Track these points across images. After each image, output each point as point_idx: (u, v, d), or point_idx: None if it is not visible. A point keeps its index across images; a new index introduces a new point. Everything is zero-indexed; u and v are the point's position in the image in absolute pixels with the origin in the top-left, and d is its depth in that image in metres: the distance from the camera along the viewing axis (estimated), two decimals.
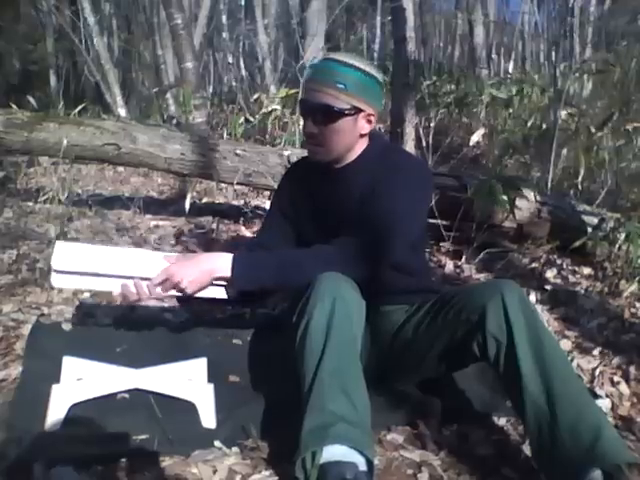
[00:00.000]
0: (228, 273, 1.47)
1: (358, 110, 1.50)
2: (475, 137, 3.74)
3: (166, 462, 1.35)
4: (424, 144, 4.07)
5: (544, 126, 4.73)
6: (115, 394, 1.57)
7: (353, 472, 1.15)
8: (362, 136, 1.56)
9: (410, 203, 1.52)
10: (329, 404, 1.23)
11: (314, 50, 6.20)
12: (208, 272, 1.47)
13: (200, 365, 1.67)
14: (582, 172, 3.75)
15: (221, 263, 1.47)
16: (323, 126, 1.50)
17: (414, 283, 1.65)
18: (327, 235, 1.52)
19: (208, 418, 1.52)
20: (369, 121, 1.54)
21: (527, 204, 2.94)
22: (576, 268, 2.76)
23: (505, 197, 2.79)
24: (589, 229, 2.85)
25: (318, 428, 1.21)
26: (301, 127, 4.52)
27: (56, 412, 1.47)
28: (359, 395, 1.28)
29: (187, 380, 1.62)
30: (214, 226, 3.27)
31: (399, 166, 1.55)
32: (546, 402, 1.26)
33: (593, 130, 4.10)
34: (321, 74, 1.49)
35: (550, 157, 3.84)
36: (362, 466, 1.17)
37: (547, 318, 2.22)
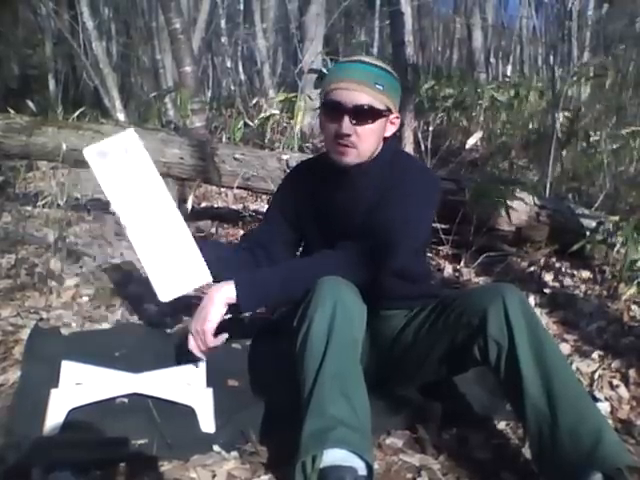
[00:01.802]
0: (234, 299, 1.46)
1: (389, 112, 1.51)
2: (472, 140, 3.75)
3: (165, 467, 1.34)
4: (423, 148, 4.08)
5: (542, 129, 4.74)
6: (114, 398, 1.57)
7: (353, 476, 1.15)
8: (385, 139, 1.57)
9: (416, 211, 1.53)
10: (329, 408, 1.23)
11: (312, 54, 6.21)
12: (218, 305, 1.45)
13: (199, 369, 1.67)
14: (575, 175, 3.75)
15: (225, 292, 1.46)
16: (361, 126, 1.47)
17: (416, 289, 1.65)
18: (332, 238, 1.53)
19: (207, 422, 1.51)
20: (392, 123, 1.55)
21: (526, 207, 2.94)
22: (575, 271, 2.76)
23: (503, 200, 2.79)
24: (588, 232, 2.85)
25: (318, 432, 1.20)
26: (297, 130, 4.55)
27: (55, 417, 1.46)
28: (359, 399, 1.28)
29: (186, 384, 1.62)
30: (213, 230, 3.27)
31: (407, 173, 1.56)
32: (547, 405, 1.26)
33: (591, 133, 4.11)
34: (359, 74, 1.46)
35: (548, 160, 3.84)
36: (362, 470, 1.17)
37: (546, 321, 2.22)
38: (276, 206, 1.76)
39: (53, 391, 1.52)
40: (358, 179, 1.57)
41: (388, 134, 1.56)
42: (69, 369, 1.61)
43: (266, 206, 3.63)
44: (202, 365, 1.67)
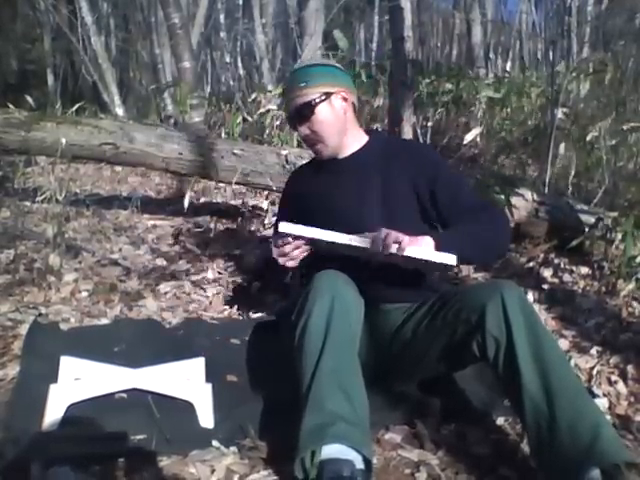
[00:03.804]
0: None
1: (327, 94, 1.62)
2: (469, 136, 3.73)
3: (164, 462, 1.35)
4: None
5: (541, 125, 4.74)
6: (113, 394, 1.57)
7: (350, 469, 1.15)
8: (348, 116, 1.66)
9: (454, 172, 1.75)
10: (328, 403, 1.24)
11: (312, 50, 6.18)
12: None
13: (198, 365, 1.67)
14: (574, 171, 3.75)
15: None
16: (309, 123, 1.62)
17: (416, 284, 1.64)
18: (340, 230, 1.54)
19: (206, 418, 1.52)
20: (344, 99, 1.65)
21: (524, 203, 2.94)
22: (573, 267, 2.76)
23: (502, 196, 2.79)
24: (586, 228, 2.84)
25: (317, 427, 1.21)
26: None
27: (54, 412, 1.47)
28: (358, 394, 1.29)
29: (185, 380, 1.62)
30: (212, 225, 3.26)
31: (408, 144, 1.84)
32: (545, 401, 1.26)
33: (590, 129, 4.10)
34: (288, 85, 1.67)
35: (547, 156, 3.84)
36: (360, 464, 1.17)
37: (544, 317, 2.22)
38: (283, 205, 1.89)
39: (52, 386, 1.53)
40: (352, 167, 1.65)
41: (346, 110, 1.66)
42: (68, 364, 1.61)
43: (265, 201, 3.64)
44: (201, 360, 1.67)
